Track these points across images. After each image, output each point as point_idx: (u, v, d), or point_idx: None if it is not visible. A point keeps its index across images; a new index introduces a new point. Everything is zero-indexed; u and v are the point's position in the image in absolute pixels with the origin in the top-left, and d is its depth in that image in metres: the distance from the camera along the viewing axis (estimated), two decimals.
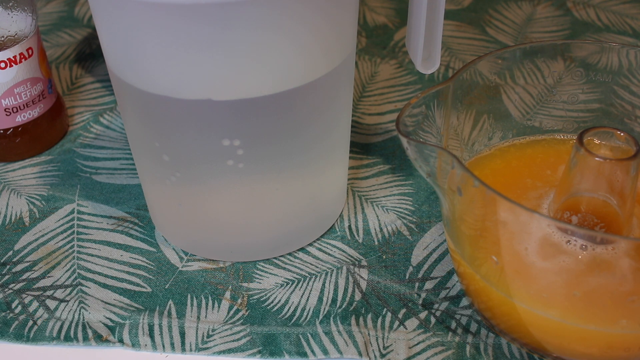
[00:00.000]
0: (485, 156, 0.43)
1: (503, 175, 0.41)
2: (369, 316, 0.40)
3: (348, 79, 0.41)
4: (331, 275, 0.43)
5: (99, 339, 0.40)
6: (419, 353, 0.39)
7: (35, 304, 0.42)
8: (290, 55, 0.35)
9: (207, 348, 0.39)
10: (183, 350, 0.39)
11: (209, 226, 0.42)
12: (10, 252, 0.45)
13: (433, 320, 0.40)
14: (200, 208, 0.41)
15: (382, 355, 0.38)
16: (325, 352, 0.39)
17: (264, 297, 0.42)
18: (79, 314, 0.41)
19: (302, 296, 0.42)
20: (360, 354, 0.38)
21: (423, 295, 0.42)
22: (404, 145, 0.35)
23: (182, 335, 0.40)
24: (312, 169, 0.41)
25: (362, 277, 0.43)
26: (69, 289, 0.42)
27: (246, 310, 0.41)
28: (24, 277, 0.43)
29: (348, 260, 0.44)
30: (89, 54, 0.64)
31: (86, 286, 0.43)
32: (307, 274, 0.43)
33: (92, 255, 0.45)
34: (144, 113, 0.38)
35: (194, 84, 0.35)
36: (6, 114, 0.50)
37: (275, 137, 0.38)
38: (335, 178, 0.44)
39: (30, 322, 0.41)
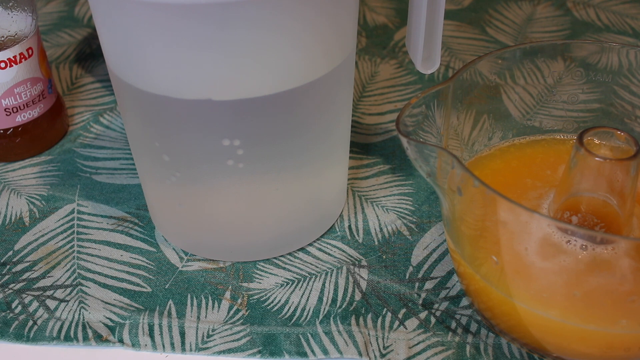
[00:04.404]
0: (485, 156, 0.43)
1: (503, 175, 0.41)
2: (369, 316, 0.40)
3: (348, 79, 0.41)
4: (331, 275, 0.43)
5: (99, 339, 0.40)
6: (419, 353, 0.39)
7: (35, 304, 0.42)
8: (290, 55, 0.35)
9: (207, 348, 0.39)
10: (183, 350, 0.39)
11: (209, 226, 0.42)
12: (10, 252, 0.45)
13: (433, 320, 0.40)
14: (200, 208, 0.41)
15: (382, 355, 0.38)
16: (325, 352, 0.39)
17: (264, 297, 0.42)
18: (79, 314, 0.41)
19: (302, 296, 0.42)
20: (360, 354, 0.38)
21: (423, 295, 0.42)
22: (404, 145, 0.35)
23: (182, 335, 0.40)
24: (312, 169, 0.41)
25: (362, 277, 0.43)
26: (69, 289, 0.42)
27: (246, 310, 0.41)
28: (24, 277, 0.43)
29: (348, 260, 0.44)
30: (89, 54, 0.64)
31: (86, 286, 0.43)
32: (307, 274, 0.43)
33: (92, 255, 0.45)
34: (144, 113, 0.38)
35: (194, 84, 0.35)
36: (6, 114, 0.50)
37: (275, 137, 0.38)
38: (335, 178, 0.44)
39: (30, 322, 0.41)
